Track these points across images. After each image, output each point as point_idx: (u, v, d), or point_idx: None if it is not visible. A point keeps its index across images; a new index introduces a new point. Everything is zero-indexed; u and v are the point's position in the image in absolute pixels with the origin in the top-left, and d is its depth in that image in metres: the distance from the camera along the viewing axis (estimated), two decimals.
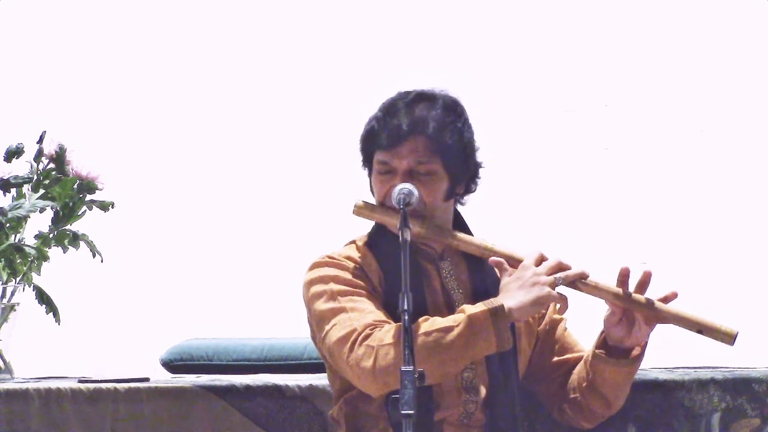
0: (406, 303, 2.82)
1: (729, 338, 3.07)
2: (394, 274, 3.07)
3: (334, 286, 3.11)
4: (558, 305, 3.18)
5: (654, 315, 3.10)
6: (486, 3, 5.50)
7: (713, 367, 3.65)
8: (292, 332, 3.36)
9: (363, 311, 3.06)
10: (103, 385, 3.46)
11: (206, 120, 5.48)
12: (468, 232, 3.21)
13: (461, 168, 3.15)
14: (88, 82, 5.47)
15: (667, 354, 4.17)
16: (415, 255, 3.11)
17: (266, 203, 5.42)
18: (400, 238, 2.90)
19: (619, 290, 3.10)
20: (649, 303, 3.10)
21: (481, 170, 3.22)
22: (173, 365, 3.95)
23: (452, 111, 3.16)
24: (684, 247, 5.38)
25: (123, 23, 5.51)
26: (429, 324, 3.00)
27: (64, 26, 5.51)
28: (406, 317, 2.80)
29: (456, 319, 2.99)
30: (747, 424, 3.49)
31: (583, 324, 3.37)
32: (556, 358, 3.28)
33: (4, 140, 3.78)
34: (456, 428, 3.11)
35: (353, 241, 3.24)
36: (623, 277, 3.10)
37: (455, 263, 3.20)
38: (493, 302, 3.00)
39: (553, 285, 3.03)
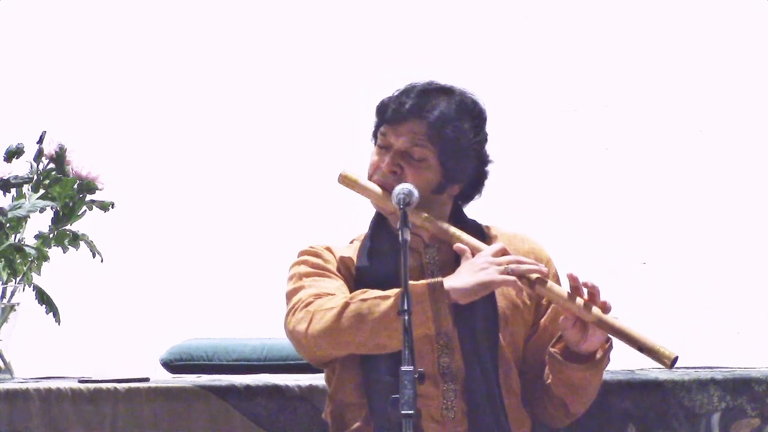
0: (405, 303, 2.80)
1: (667, 361, 2.99)
2: (372, 263, 3.13)
3: (302, 269, 3.16)
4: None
5: (599, 326, 3.04)
6: (486, 3, 5.50)
7: (713, 367, 3.65)
8: None
9: (319, 287, 3.10)
10: (103, 385, 3.46)
11: (207, 120, 5.48)
12: (468, 231, 3.18)
13: (457, 167, 3.14)
14: (88, 82, 5.47)
15: None
16: (396, 242, 3.04)
17: (266, 203, 5.42)
18: (400, 238, 2.89)
19: (573, 297, 3.04)
20: (597, 316, 3.03)
21: (486, 181, 3.22)
22: (173, 365, 3.95)
23: (465, 110, 3.16)
24: (684, 246, 5.38)
25: (122, 23, 5.50)
26: (366, 293, 3.00)
27: (64, 26, 5.51)
28: (406, 317, 2.79)
29: (394, 291, 2.98)
30: (747, 424, 3.49)
31: None
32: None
33: (4, 140, 3.78)
34: (439, 425, 3.09)
35: (353, 240, 3.27)
36: (573, 281, 3.05)
37: (443, 252, 3.19)
38: (435, 279, 2.99)
39: (503, 272, 2.99)
